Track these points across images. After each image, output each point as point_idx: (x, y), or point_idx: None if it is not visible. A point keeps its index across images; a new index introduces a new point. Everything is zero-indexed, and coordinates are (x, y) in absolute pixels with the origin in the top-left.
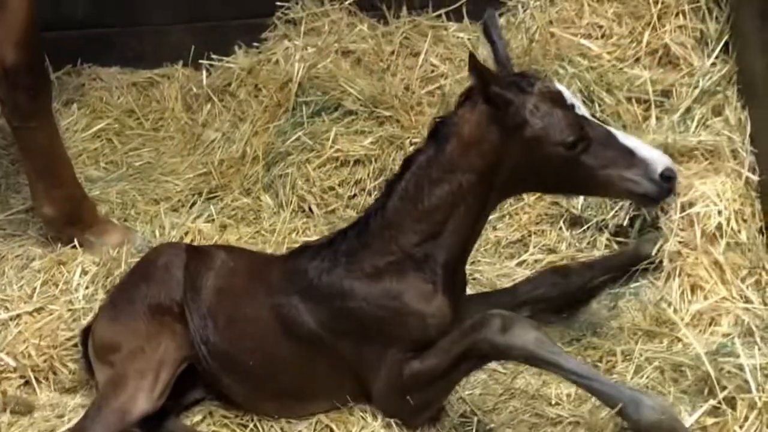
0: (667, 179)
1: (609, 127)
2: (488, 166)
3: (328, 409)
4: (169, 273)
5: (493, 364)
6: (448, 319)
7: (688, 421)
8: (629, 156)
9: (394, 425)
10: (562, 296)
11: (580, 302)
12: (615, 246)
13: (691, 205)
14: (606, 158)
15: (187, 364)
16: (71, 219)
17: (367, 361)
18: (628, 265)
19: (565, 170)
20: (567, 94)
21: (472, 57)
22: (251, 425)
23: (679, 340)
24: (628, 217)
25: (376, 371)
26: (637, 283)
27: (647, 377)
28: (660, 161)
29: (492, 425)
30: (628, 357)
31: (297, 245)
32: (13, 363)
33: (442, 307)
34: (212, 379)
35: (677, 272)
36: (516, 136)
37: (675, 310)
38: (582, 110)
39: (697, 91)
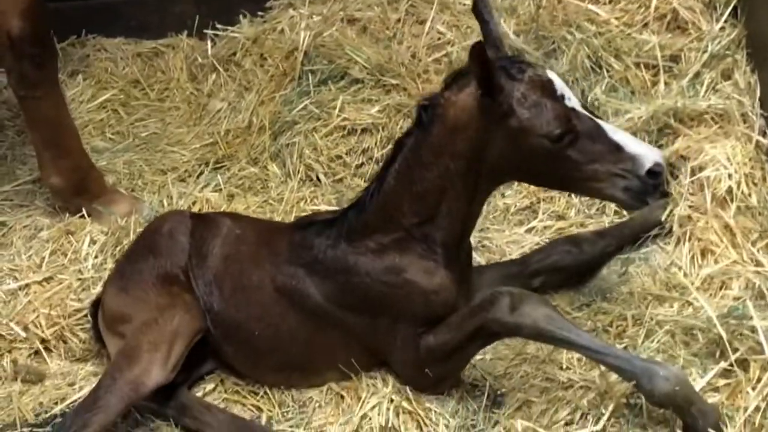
0: (654, 175)
1: (598, 120)
2: (473, 152)
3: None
4: (174, 240)
5: None
6: (452, 294)
7: (699, 383)
8: (617, 151)
9: (404, 392)
10: (574, 265)
11: (592, 271)
12: (624, 213)
13: (701, 169)
14: (593, 153)
15: (201, 336)
16: (79, 189)
17: (380, 335)
18: (639, 232)
19: (550, 163)
20: (558, 83)
21: (479, 47)
22: (262, 392)
23: (690, 304)
24: None
25: (392, 345)
26: (647, 248)
27: (658, 341)
28: (647, 156)
29: (503, 390)
30: (638, 321)
31: (304, 214)
32: (23, 333)
33: (445, 282)
34: (217, 348)
35: (687, 236)
36: (501, 125)
37: (685, 275)
38: (573, 101)
39: (706, 56)
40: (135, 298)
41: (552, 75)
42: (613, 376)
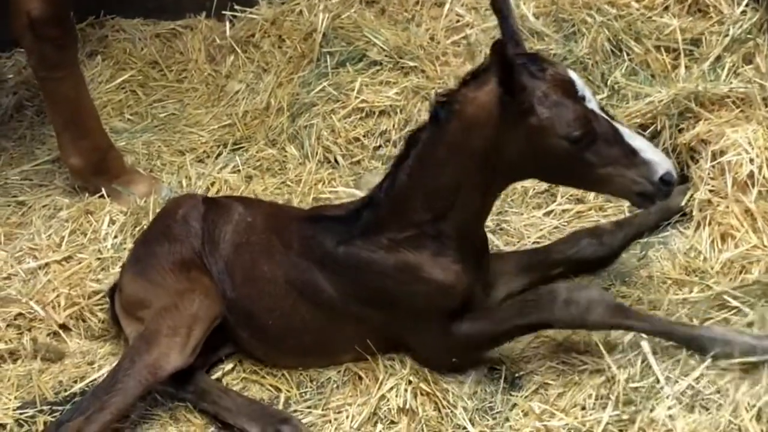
0: (667, 183)
1: (616, 124)
2: (491, 150)
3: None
4: (187, 225)
5: None
6: (468, 285)
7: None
8: (632, 156)
9: (422, 373)
10: (595, 257)
11: (611, 261)
12: None
13: (722, 153)
14: (609, 156)
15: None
16: (98, 169)
17: (399, 327)
18: (660, 220)
19: (566, 163)
20: (579, 83)
21: (501, 45)
22: (280, 373)
23: (710, 288)
24: None
25: (413, 335)
26: (667, 233)
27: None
28: (661, 165)
29: (521, 372)
30: (657, 306)
31: (317, 205)
32: (42, 312)
33: (460, 275)
34: (233, 332)
35: (707, 221)
36: (521, 123)
37: (705, 259)
38: (592, 102)
39: (727, 39)
40: (153, 283)
41: (573, 75)
42: (622, 362)
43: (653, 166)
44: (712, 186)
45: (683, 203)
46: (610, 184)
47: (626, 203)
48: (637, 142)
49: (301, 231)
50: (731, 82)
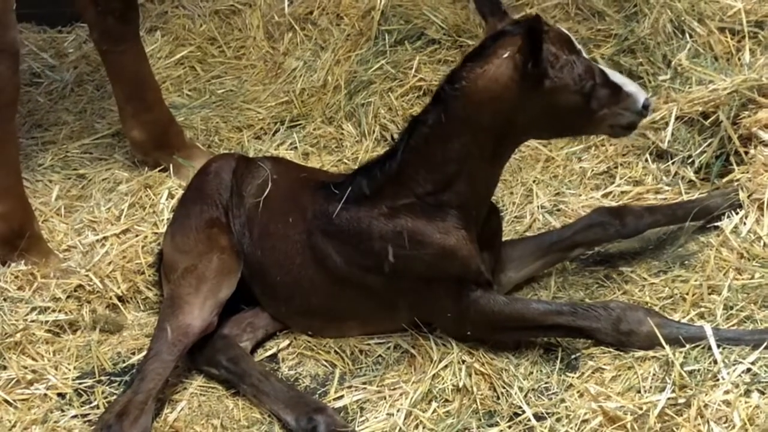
0: (647, 108)
1: (599, 66)
2: (502, 120)
3: (359, 334)
4: (218, 178)
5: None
6: (470, 252)
7: None
8: (618, 92)
9: (476, 353)
10: (617, 238)
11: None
12: (697, 182)
13: None
14: (603, 98)
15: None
16: (159, 142)
17: (405, 293)
18: (697, 217)
19: (574, 116)
20: (572, 37)
21: (537, 18)
22: (336, 348)
23: None
24: (714, 154)
25: (423, 304)
26: (727, 218)
27: (738, 309)
28: (640, 94)
29: (576, 355)
30: (716, 291)
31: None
32: (100, 285)
33: (461, 241)
34: (248, 287)
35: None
36: (536, 89)
37: (765, 245)
38: (583, 51)
39: None
40: (180, 244)
41: (563, 29)
42: (686, 347)
43: (635, 97)
44: None
45: (726, 207)
46: (601, 124)
47: (682, 185)
48: (617, 78)
49: (314, 196)
50: None
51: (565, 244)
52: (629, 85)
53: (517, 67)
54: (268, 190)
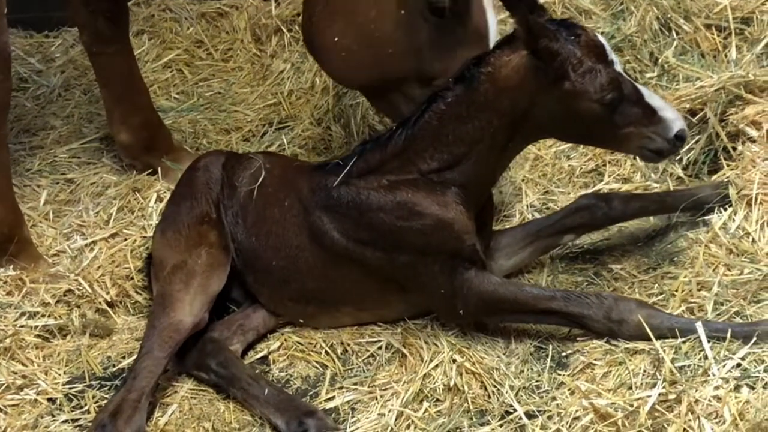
0: (680, 139)
1: (637, 84)
2: (519, 112)
3: (352, 323)
4: (208, 172)
5: None
6: (467, 228)
7: None
8: (651, 114)
9: (466, 352)
10: (603, 222)
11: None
12: (686, 179)
13: None
14: (631, 116)
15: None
16: (148, 145)
17: (400, 268)
18: (686, 209)
19: (593, 125)
20: (608, 47)
21: (523, 15)
22: (326, 349)
23: (759, 270)
24: (702, 151)
25: (417, 279)
26: (716, 214)
27: (727, 304)
28: (676, 122)
29: (567, 352)
30: (705, 287)
31: None
32: (89, 289)
33: (459, 216)
34: (242, 278)
35: (757, 202)
36: (554, 88)
37: (753, 240)
38: (617, 65)
39: None
40: (169, 240)
41: (603, 39)
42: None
43: (669, 124)
44: (764, 166)
45: (715, 200)
46: (628, 142)
47: (671, 183)
48: (655, 101)
49: (311, 177)
50: None
51: (553, 229)
52: (666, 111)
53: (533, 62)
54: (261, 178)
